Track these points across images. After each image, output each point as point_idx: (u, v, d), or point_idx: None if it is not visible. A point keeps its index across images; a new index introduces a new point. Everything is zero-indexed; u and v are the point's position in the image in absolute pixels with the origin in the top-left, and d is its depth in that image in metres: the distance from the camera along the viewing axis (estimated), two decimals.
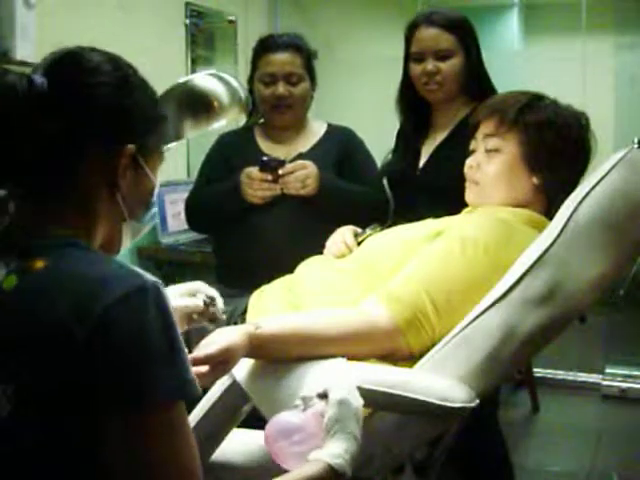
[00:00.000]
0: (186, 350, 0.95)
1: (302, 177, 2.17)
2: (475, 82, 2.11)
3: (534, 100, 1.68)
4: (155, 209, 1.13)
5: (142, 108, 1.06)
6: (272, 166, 2.18)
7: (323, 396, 1.14)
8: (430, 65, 2.07)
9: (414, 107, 2.18)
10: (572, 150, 1.65)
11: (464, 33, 2.10)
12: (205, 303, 1.44)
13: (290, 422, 1.13)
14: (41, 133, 0.97)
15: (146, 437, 0.90)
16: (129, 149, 1.03)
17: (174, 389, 0.92)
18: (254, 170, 2.18)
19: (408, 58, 2.14)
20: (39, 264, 0.95)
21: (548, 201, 1.65)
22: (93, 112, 1.00)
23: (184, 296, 1.46)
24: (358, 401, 1.14)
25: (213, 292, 1.48)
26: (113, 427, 0.89)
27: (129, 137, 1.03)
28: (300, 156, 2.26)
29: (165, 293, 0.95)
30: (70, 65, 1.02)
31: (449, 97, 2.11)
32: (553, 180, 1.63)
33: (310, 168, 2.18)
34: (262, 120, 2.36)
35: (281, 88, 2.23)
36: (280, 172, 2.16)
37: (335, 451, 1.07)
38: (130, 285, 0.92)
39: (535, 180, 1.63)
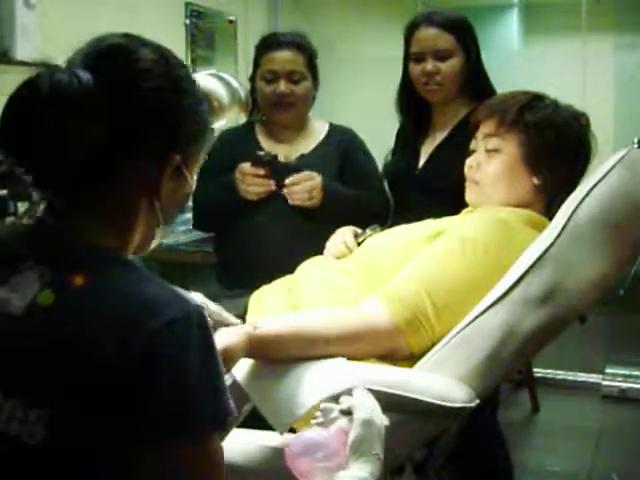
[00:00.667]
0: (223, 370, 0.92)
1: (308, 188, 2.14)
2: (475, 82, 2.11)
3: (534, 100, 1.68)
4: (189, 214, 1.09)
5: (192, 114, 0.99)
6: (264, 161, 2.14)
7: (347, 413, 1.14)
8: (430, 65, 2.07)
9: (414, 107, 2.18)
10: (572, 150, 1.65)
11: (464, 33, 2.10)
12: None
13: (313, 439, 1.12)
14: (88, 137, 0.90)
15: (182, 469, 0.87)
16: (175, 159, 0.97)
17: (214, 421, 0.89)
18: (246, 165, 2.16)
19: (408, 58, 2.14)
20: (79, 280, 0.89)
21: (548, 201, 1.65)
22: (143, 118, 0.93)
23: None
24: (382, 420, 1.13)
25: (213, 306, 1.43)
26: (150, 458, 0.86)
27: (177, 145, 0.98)
28: (302, 157, 2.26)
29: (207, 317, 0.91)
30: (121, 64, 0.94)
31: (449, 97, 2.11)
32: (553, 180, 1.63)
33: (316, 179, 2.15)
34: (264, 118, 2.33)
35: (282, 86, 2.21)
36: (286, 182, 2.13)
37: (362, 474, 1.06)
38: (175, 311, 0.88)
39: (535, 180, 1.63)
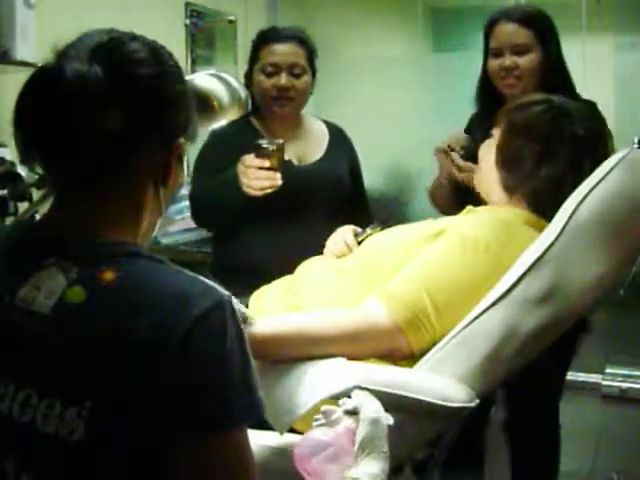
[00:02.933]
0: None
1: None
2: (554, 77, 2.10)
3: (532, 102, 1.67)
4: (186, 202, 1.10)
5: (184, 100, 1.01)
6: (270, 151, 1.93)
7: (352, 413, 1.14)
8: (508, 60, 2.09)
9: (492, 104, 2.14)
10: (528, 150, 1.61)
11: (542, 28, 2.10)
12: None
13: (320, 440, 1.13)
14: (103, 129, 0.91)
15: (217, 458, 0.87)
16: (181, 143, 0.99)
17: (247, 411, 0.89)
18: (249, 157, 1.97)
19: (487, 53, 2.15)
20: (109, 276, 0.89)
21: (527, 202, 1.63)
22: (149, 105, 0.95)
23: None
24: (388, 420, 1.14)
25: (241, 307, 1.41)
26: (187, 448, 0.86)
27: (179, 131, 1.00)
28: (317, 162, 2.23)
29: (235, 305, 0.92)
30: (118, 55, 0.95)
31: (526, 92, 2.07)
32: (510, 177, 1.63)
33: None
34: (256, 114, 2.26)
35: (284, 79, 2.15)
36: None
37: (373, 471, 1.08)
38: (209, 301, 0.88)
39: (496, 175, 1.65)
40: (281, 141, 1.98)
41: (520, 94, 2.06)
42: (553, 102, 1.66)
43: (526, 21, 2.08)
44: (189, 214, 2.32)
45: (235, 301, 1.32)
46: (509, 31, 2.09)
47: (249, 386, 0.89)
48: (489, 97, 2.17)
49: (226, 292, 0.92)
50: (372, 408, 1.13)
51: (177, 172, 1.01)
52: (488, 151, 1.69)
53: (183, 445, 0.86)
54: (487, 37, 2.15)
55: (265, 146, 1.95)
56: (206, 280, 0.92)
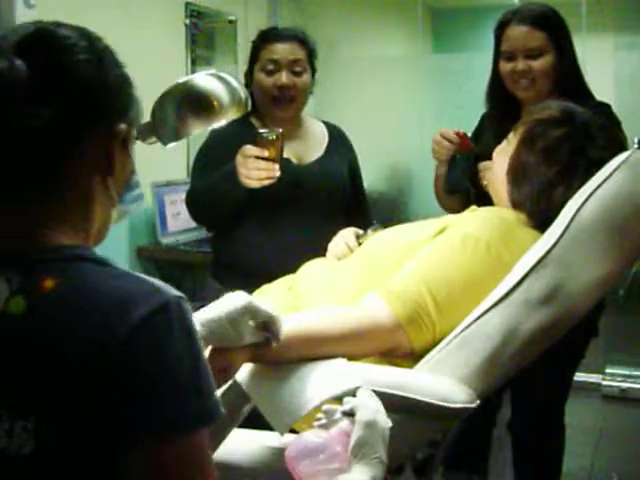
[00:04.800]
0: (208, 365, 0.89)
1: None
2: (568, 79, 2.06)
3: (554, 120, 1.61)
4: (140, 190, 1.05)
5: (122, 83, 0.98)
6: (269, 139, 1.92)
7: (349, 414, 1.11)
8: (521, 64, 2.04)
9: (504, 104, 2.14)
10: (547, 173, 1.58)
11: (555, 29, 2.06)
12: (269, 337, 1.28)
13: (313, 442, 1.09)
14: (33, 127, 0.87)
15: (167, 468, 0.84)
16: (122, 129, 0.95)
17: (198, 417, 0.86)
18: (249, 146, 1.95)
19: (498, 55, 2.11)
20: (49, 284, 0.85)
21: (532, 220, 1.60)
22: (83, 93, 0.91)
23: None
24: (386, 422, 1.11)
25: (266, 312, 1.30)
26: (134, 459, 0.84)
27: (117, 116, 0.95)
28: (317, 162, 2.23)
29: (188, 306, 0.88)
30: (47, 44, 0.92)
31: (540, 95, 2.05)
32: (518, 193, 1.62)
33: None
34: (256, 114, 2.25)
35: (284, 77, 2.15)
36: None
37: (362, 478, 1.04)
38: (154, 304, 0.85)
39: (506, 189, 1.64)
40: (281, 130, 1.96)
41: (534, 97, 2.05)
42: (575, 122, 1.60)
43: (538, 23, 2.03)
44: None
45: (256, 301, 1.28)
46: (521, 34, 2.04)
47: (200, 390, 0.86)
48: (501, 97, 2.14)
49: (177, 293, 0.88)
50: (369, 410, 1.10)
51: (124, 159, 0.98)
52: (503, 157, 1.66)
53: (135, 451, 0.84)
54: (498, 38, 2.10)
55: (265, 134, 1.94)
56: (155, 281, 0.88)
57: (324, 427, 1.13)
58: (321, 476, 1.07)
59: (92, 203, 0.95)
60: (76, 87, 0.91)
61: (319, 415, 1.15)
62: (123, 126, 0.95)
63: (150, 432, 0.84)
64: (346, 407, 1.12)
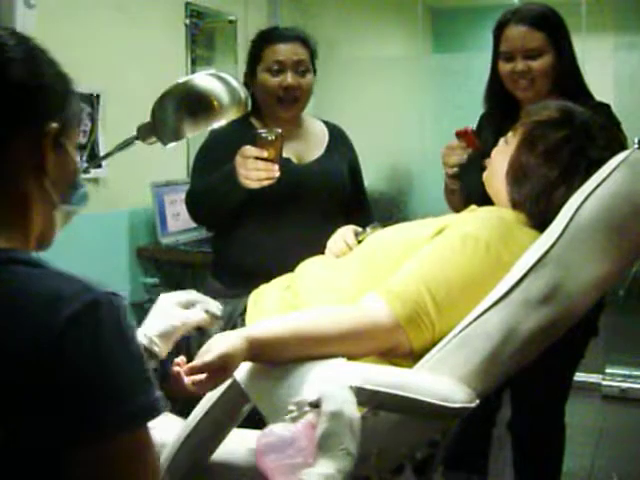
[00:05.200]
0: (149, 362, 0.90)
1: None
2: (567, 79, 2.06)
3: (554, 121, 1.61)
4: (85, 188, 1.03)
5: (55, 82, 0.96)
6: (269, 140, 1.91)
7: (315, 405, 1.08)
8: (520, 65, 2.04)
9: (503, 104, 2.14)
10: (547, 176, 1.58)
11: (555, 29, 2.05)
12: (214, 316, 1.50)
13: (279, 435, 1.07)
14: None
15: (109, 466, 0.84)
16: (53, 128, 0.93)
17: (135, 413, 0.85)
18: (248, 147, 1.95)
19: (497, 55, 2.11)
20: None
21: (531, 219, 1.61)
22: (8, 92, 0.90)
23: (180, 307, 1.47)
24: (353, 412, 1.08)
25: (209, 304, 1.50)
26: (75, 459, 0.83)
27: (48, 115, 0.94)
28: (317, 162, 2.23)
29: (121, 302, 0.87)
30: None
31: (540, 95, 2.04)
32: (517, 193, 1.62)
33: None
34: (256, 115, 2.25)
35: (290, 78, 2.15)
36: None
37: (326, 471, 1.01)
38: (82, 302, 0.84)
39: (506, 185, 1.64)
40: (280, 131, 1.95)
41: (533, 97, 2.04)
42: (575, 123, 1.60)
43: (537, 23, 2.02)
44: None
45: (201, 298, 1.46)
46: (520, 34, 2.03)
47: (136, 386, 0.86)
48: (500, 97, 2.14)
49: (109, 290, 0.88)
50: (334, 400, 1.07)
51: (61, 159, 0.97)
52: (502, 157, 1.66)
53: (76, 450, 0.83)
54: (497, 39, 2.09)
55: (264, 135, 1.94)
56: (86, 280, 0.88)
57: (294, 420, 1.10)
58: (286, 470, 1.04)
59: (29, 204, 0.94)
60: (3, 86, 0.90)
61: (290, 407, 1.12)
62: (54, 125, 0.94)
63: (88, 430, 0.83)
64: (312, 398, 1.09)
